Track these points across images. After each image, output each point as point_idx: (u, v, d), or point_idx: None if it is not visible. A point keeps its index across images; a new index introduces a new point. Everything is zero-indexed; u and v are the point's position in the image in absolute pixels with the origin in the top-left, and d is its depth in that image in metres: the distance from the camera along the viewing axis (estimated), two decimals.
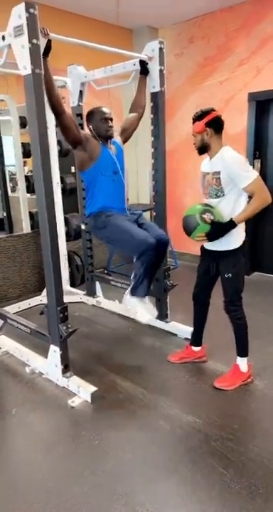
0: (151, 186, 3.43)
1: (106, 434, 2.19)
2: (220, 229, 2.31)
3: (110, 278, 3.85)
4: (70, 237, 4.07)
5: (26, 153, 4.15)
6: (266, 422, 2.25)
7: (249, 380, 2.55)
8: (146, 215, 4.35)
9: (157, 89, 2.95)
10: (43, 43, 2.24)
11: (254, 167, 4.34)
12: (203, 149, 2.38)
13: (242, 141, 4.45)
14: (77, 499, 1.79)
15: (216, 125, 2.31)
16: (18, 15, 2.11)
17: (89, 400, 2.44)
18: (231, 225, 2.28)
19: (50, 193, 2.35)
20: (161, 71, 2.92)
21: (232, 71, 4.46)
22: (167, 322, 3.34)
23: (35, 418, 2.35)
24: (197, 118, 2.33)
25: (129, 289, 2.72)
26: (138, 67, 2.98)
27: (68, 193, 4.00)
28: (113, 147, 2.76)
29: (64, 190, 3.99)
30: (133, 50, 5.12)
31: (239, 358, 2.54)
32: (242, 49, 4.32)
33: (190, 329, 3.07)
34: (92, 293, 3.99)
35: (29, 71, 2.16)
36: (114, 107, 4.90)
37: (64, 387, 2.59)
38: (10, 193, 5.11)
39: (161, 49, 2.89)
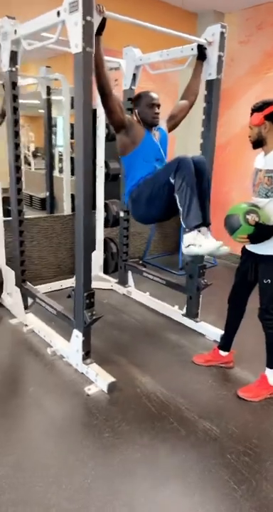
0: None
1: (117, 428, 2.14)
2: (264, 232, 2.15)
3: (143, 269, 3.77)
4: (108, 223, 4.03)
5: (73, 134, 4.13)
6: None
7: None
8: None
9: (213, 76, 2.79)
10: (97, 20, 2.17)
11: None
12: (258, 143, 2.22)
13: None
14: (78, 489, 1.76)
15: None
16: None
17: (105, 389, 2.40)
18: None
19: (88, 177, 2.29)
20: (219, 57, 2.75)
21: None
22: (197, 321, 3.22)
23: (50, 401, 2.35)
24: (257, 109, 2.16)
25: (183, 220, 2.32)
26: (195, 52, 2.84)
27: (111, 178, 3.94)
28: (157, 133, 2.65)
29: (107, 176, 3.94)
30: (196, 36, 4.94)
31: (268, 369, 2.39)
32: None
33: (220, 332, 2.94)
34: (123, 282, 3.93)
35: (80, 49, 2.09)
36: (169, 93, 4.77)
37: (82, 374, 2.57)
38: (57, 174, 5.16)
39: (222, 33, 2.72)
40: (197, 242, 2.28)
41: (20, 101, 2.95)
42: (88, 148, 2.25)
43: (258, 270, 2.32)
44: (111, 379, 2.42)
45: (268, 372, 2.39)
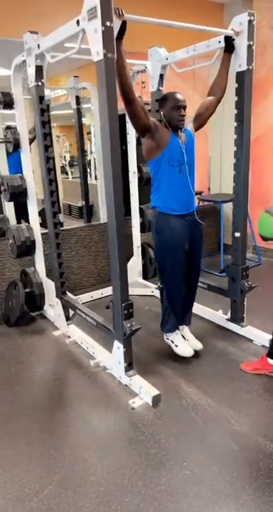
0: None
1: (164, 443, 2.05)
2: None
3: None
4: (144, 228, 3.96)
5: None
6: None
7: None
8: (228, 206, 4.03)
9: (244, 67, 2.64)
10: (117, 24, 2.11)
11: None
12: None
13: None
14: (127, 510, 1.69)
15: None
16: None
17: (150, 402, 2.33)
18: None
19: (118, 183, 2.23)
20: (249, 47, 2.60)
21: None
22: (242, 326, 3.06)
23: (94, 415, 2.31)
24: None
25: (160, 322, 2.84)
26: (223, 44, 2.70)
27: (145, 182, 3.87)
28: (183, 135, 2.55)
29: (140, 180, 3.88)
30: (223, 28, 4.77)
31: None
32: None
33: (269, 336, 2.77)
34: None
35: (101, 56, 2.04)
36: (199, 89, 4.63)
37: (126, 386, 2.51)
38: (93, 181, 5.18)
39: (250, 21, 2.56)
40: (174, 342, 2.78)
41: (54, 112, 2.96)
42: (116, 155, 2.20)
43: None
44: (156, 391, 2.34)
45: None
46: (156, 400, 2.32)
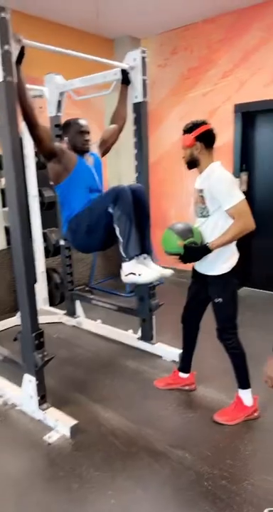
0: None
1: (86, 475, 1.97)
2: (192, 253, 2.14)
3: (91, 297, 3.66)
4: (48, 253, 3.87)
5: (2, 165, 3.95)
6: (261, 453, 2.08)
7: (255, 414, 2.31)
8: None
9: (140, 99, 2.81)
10: (16, 49, 2.08)
11: (241, 180, 4.26)
12: (192, 164, 2.21)
13: (229, 153, 4.36)
14: None
15: (207, 139, 2.15)
16: None
17: (68, 434, 2.23)
18: (205, 250, 2.11)
19: (23, 206, 2.16)
20: (143, 81, 2.79)
21: (216, 83, 4.38)
22: (153, 344, 3.15)
23: (7, 458, 2.12)
24: (187, 131, 2.16)
25: (122, 251, 2.32)
26: (119, 76, 2.85)
27: (46, 207, 3.80)
28: (90, 158, 2.60)
29: (42, 204, 3.80)
30: (114, 61, 5.03)
31: (240, 391, 2.31)
32: (225, 61, 4.26)
33: (178, 351, 2.91)
34: (72, 313, 3.77)
35: (0, 79, 1.99)
36: (95, 118, 4.76)
37: (40, 421, 2.37)
38: None
39: (143, 58, 2.76)
40: (136, 271, 2.29)
41: None
42: (20, 178, 2.13)
43: (208, 290, 2.29)
44: (73, 422, 2.25)
45: (241, 393, 2.31)
46: (74, 430, 2.24)
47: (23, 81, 2.13)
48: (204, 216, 2.18)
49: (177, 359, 2.96)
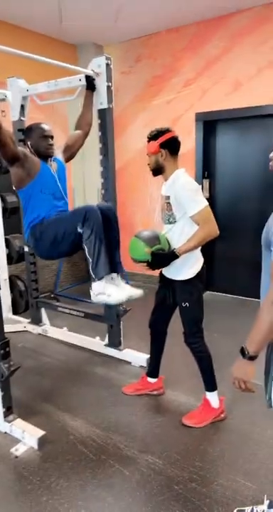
0: None
1: (55, 487, 1.94)
2: (160, 260, 2.16)
3: (57, 304, 3.60)
4: (11, 260, 3.77)
5: None
6: (229, 454, 2.12)
7: (222, 415, 2.36)
8: None
9: (105, 105, 2.81)
10: None
11: (203, 187, 4.36)
12: (157, 171, 2.24)
13: (191, 161, 4.45)
14: None
15: (172, 146, 2.18)
16: None
17: (36, 446, 2.18)
18: (172, 256, 2.13)
19: None
20: (108, 87, 2.80)
21: (179, 91, 4.47)
22: (120, 350, 3.15)
23: None
24: (152, 138, 2.18)
25: (91, 271, 2.31)
26: (84, 82, 2.84)
27: (9, 212, 3.71)
28: (54, 164, 2.58)
29: (4, 210, 3.70)
30: (78, 67, 5.01)
31: (207, 393, 2.35)
32: (187, 69, 4.35)
33: (145, 356, 2.93)
34: (37, 321, 3.69)
35: None
36: (59, 122, 4.72)
37: (6, 433, 2.30)
38: None
39: (107, 65, 2.77)
40: (106, 292, 2.29)
41: None
42: None
43: (175, 294, 2.32)
44: (41, 432, 2.20)
45: (208, 395, 2.35)
46: (42, 441, 2.19)
47: None
48: (170, 223, 2.21)
49: (145, 364, 2.98)
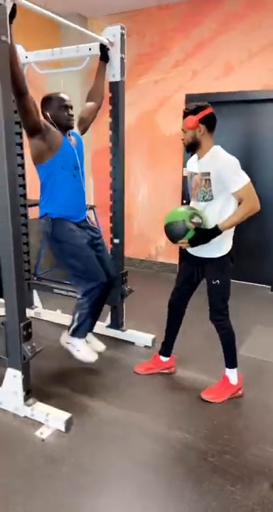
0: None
1: (91, 467, 1.89)
2: (204, 235, 2.15)
3: (53, 286, 3.45)
4: None
5: None
6: (253, 426, 2.20)
7: (239, 392, 2.41)
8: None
9: (117, 78, 2.72)
10: (9, 4, 1.85)
11: None
12: (193, 147, 2.20)
13: (178, 142, 4.43)
14: None
15: (210, 122, 2.15)
16: None
17: (62, 428, 2.10)
18: (216, 231, 2.12)
19: (12, 185, 1.95)
20: (121, 59, 2.70)
21: (168, 71, 4.42)
22: (123, 331, 3.11)
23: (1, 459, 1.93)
24: (191, 112, 2.13)
25: (71, 328, 2.54)
26: (93, 52, 2.72)
27: None
28: (73, 138, 2.45)
29: None
30: (60, 38, 4.75)
31: (227, 370, 2.40)
32: (177, 50, 4.31)
33: (149, 336, 2.93)
34: (29, 303, 3.53)
35: None
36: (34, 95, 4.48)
37: (26, 417, 2.19)
38: None
39: (122, 35, 2.67)
40: (76, 346, 2.55)
41: None
42: (12, 149, 1.91)
43: (205, 272, 2.32)
44: (67, 415, 2.13)
45: (228, 372, 2.40)
46: (69, 423, 2.12)
47: (14, 43, 1.91)
48: (206, 200, 2.19)
49: (149, 344, 2.99)
